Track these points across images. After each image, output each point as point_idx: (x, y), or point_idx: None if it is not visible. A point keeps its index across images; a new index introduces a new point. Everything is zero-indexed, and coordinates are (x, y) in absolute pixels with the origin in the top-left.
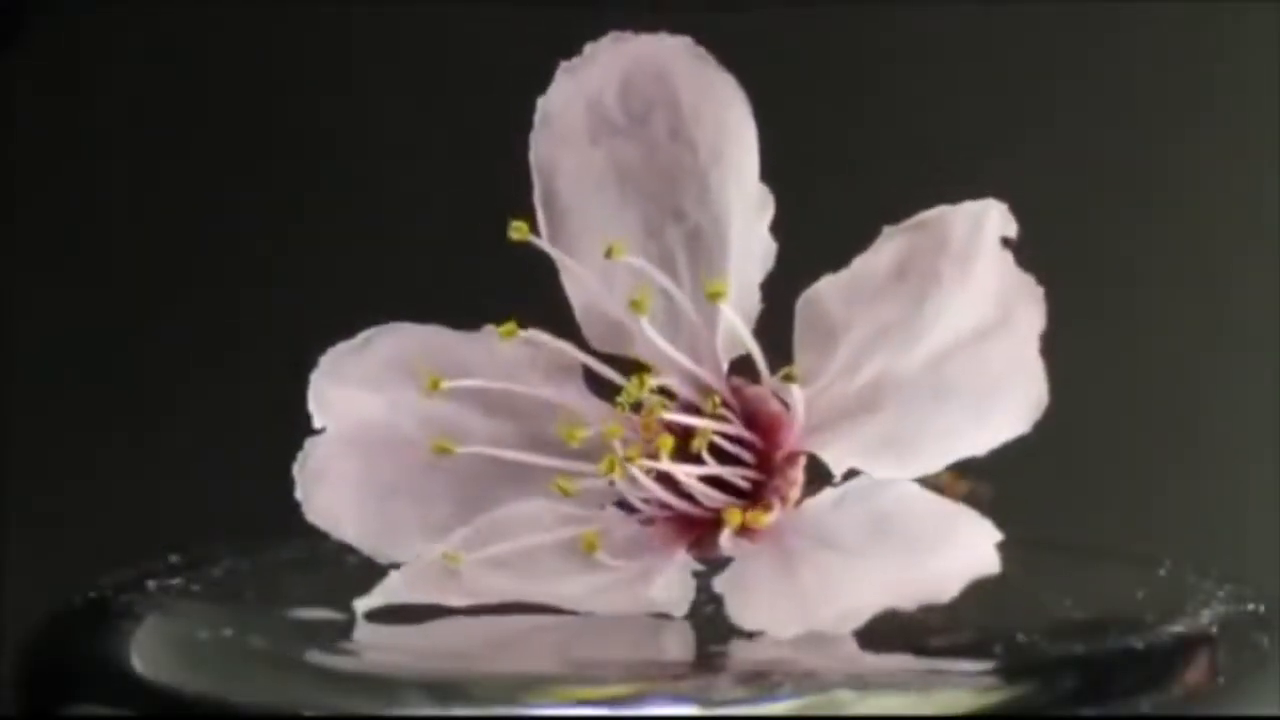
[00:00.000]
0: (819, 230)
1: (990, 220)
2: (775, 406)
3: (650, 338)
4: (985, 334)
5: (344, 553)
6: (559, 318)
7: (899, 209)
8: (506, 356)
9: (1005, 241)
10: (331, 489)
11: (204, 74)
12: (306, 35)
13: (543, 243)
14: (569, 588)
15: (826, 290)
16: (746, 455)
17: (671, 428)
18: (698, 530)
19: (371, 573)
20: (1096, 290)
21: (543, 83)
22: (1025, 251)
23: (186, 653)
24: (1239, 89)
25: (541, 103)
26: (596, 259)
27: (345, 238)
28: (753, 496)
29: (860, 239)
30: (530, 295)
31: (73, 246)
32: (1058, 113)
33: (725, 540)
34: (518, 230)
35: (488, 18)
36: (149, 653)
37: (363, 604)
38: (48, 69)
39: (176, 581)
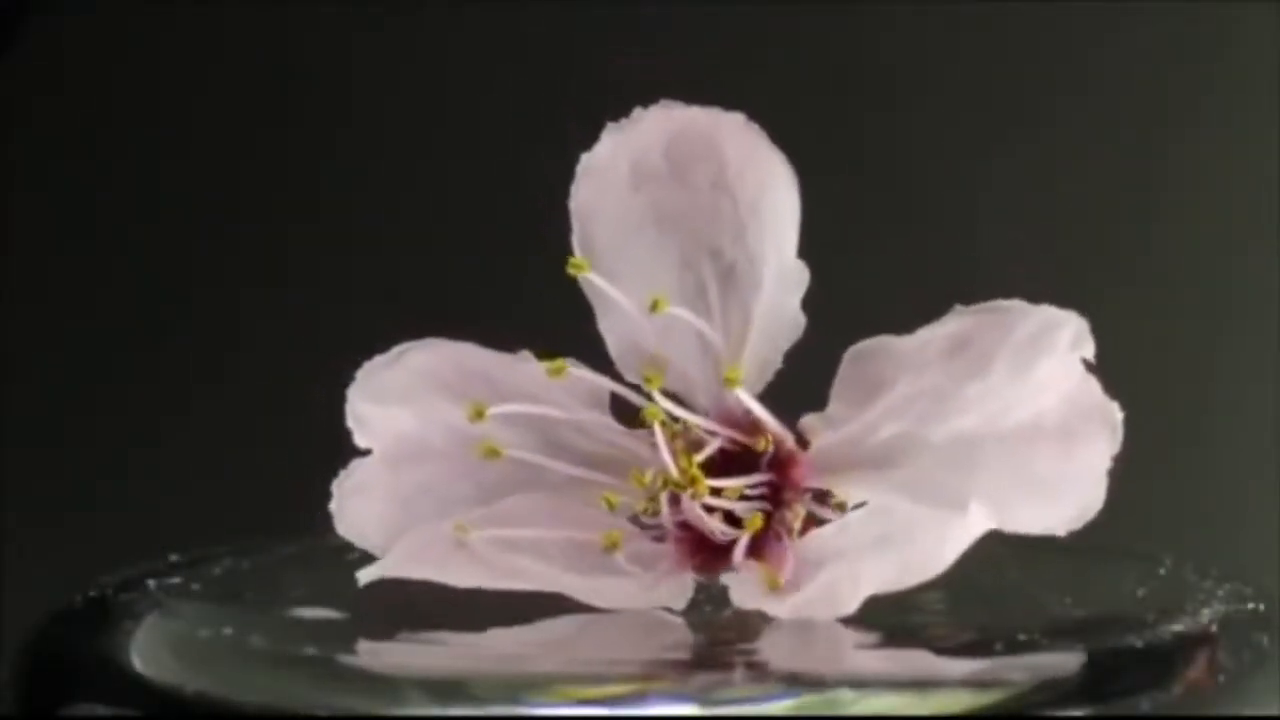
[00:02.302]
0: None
1: (1065, 329)
2: (791, 445)
3: (666, 407)
4: (1038, 434)
5: (344, 551)
6: (575, 332)
7: (899, 208)
8: (540, 378)
9: (1087, 364)
10: (363, 503)
11: (205, 74)
12: (308, 35)
13: (593, 277)
14: (577, 578)
15: (879, 352)
16: (763, 489)
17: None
18: (705, 553)
19: None
20: (1096, 290)
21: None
22: (1024, 251)
23: (187, 652)
24: (1239, 89)
25: (585, 157)
26: (634, 297)
27: (346, 239)
28: (760, 524)
29: (860, 241)
30: (550, 311)
31: (72, 247)
32: (1058, 113)
33: (739, 559)
34: (575, 266)
35: (501, 25)
36: (149, 652)
37: (365, 575)
38: (48, 69)
39: (176, 580)
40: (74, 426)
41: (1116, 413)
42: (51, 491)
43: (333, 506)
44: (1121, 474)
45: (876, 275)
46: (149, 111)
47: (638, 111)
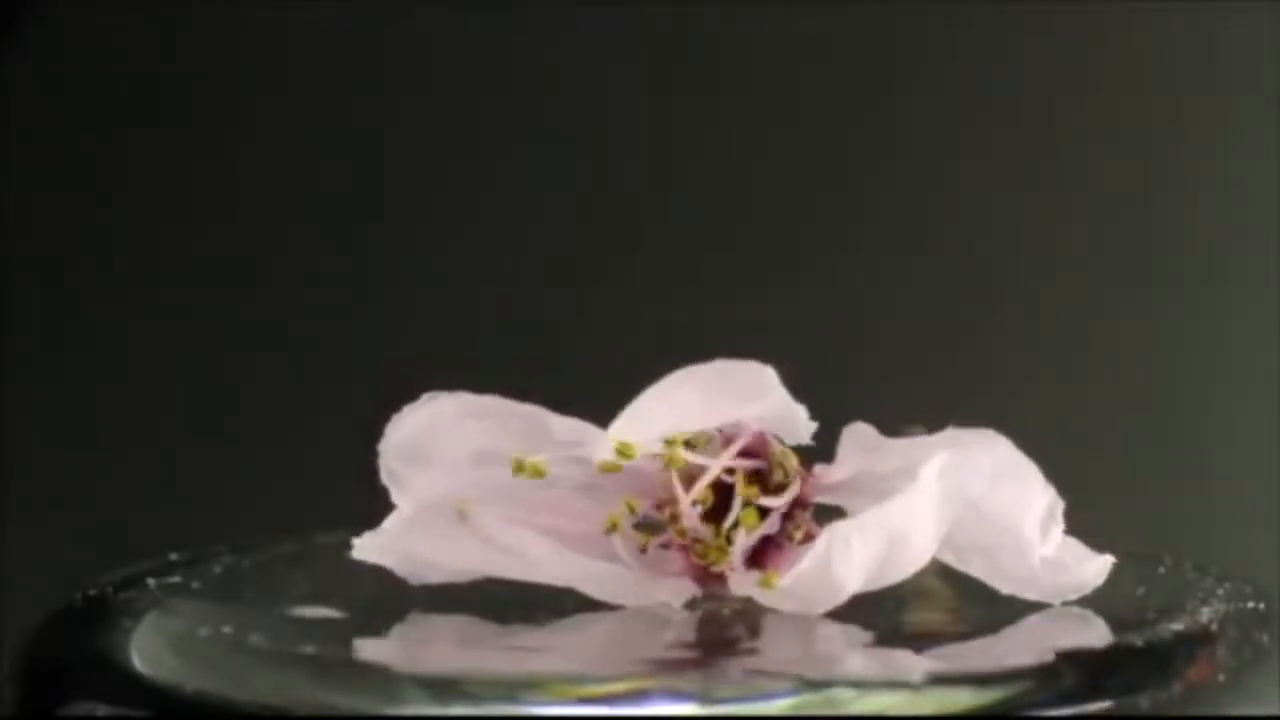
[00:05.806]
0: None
1: (1041, 499)
2: (799, 467)
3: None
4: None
5: (343, 551)
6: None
7: (900, 208)
8: (560, 424)
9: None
10: (386, 537)
11: (203, 74)
12: (306, 34)
13: None
14: (578, 564)
15: (881, 442)
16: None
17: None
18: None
19: (371, 570)
20: (1097, 290)
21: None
22: (1025, 251)
23: (187, 650)
24: (1239, 89)
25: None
26: None
27: (346, 239)
28: (754, 521)
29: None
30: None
31: (72, 246)
32: (1059, 113)
33: (738, 567)
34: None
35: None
36: (149, 650)
37: (360, 543)
38: (48, 69)
39: (176, 579)
40: (74, 426)
41: (1106, 560)
42: (51, 491)
43: (356, 542)
44: (1121, 474)
45: (877, 276)
46: (149, 111)
47: None
